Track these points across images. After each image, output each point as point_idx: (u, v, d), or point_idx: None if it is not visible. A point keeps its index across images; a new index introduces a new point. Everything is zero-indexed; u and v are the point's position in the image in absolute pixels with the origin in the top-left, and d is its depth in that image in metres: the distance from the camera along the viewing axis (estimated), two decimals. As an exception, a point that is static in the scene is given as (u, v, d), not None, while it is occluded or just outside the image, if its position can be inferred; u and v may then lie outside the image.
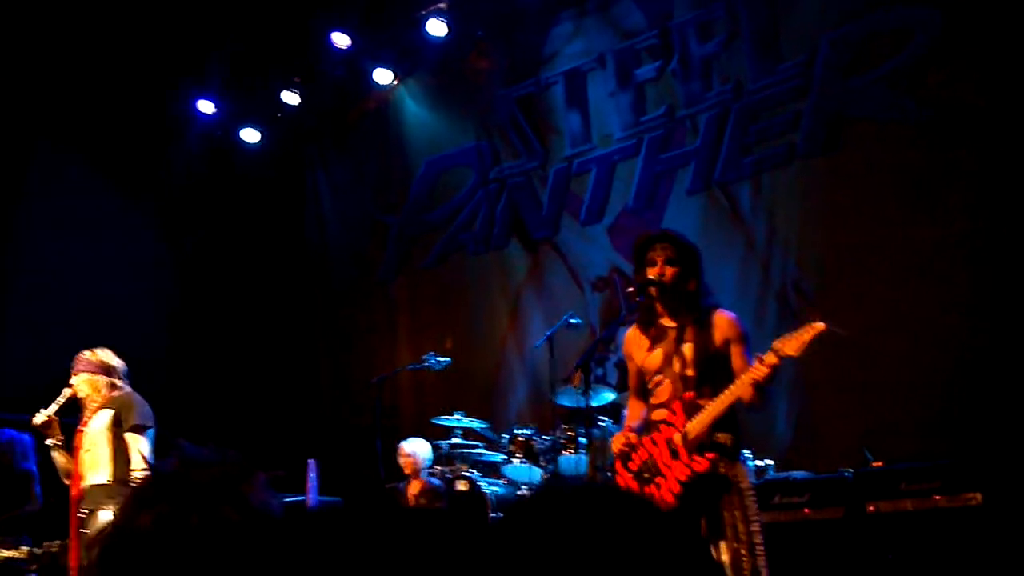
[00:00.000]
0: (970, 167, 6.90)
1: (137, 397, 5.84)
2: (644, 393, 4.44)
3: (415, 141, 10.26)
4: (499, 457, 7.63)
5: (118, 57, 9.57)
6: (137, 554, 1.28)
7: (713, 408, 4.09)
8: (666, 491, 4.12)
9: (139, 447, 5.66)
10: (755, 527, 4.04)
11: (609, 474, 5.33)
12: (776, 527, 5.51)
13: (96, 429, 5.70)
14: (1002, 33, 6.86)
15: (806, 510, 5.74)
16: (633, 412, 4.53)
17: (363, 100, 10.62)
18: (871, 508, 5.54)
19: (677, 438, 4.15)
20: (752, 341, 4.32)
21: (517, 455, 7.40)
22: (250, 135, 10.81)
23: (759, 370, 3.96)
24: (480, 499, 7.24)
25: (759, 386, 4.00)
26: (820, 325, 3.93)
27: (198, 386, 10.00)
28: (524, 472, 7.40)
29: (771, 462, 6.46)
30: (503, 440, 7.65)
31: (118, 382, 5.85)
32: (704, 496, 4.10)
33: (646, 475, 4.22)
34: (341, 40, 9.79)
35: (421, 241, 10.16)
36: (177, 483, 1.38)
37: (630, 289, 4.47)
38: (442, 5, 9.35)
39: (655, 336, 4.35)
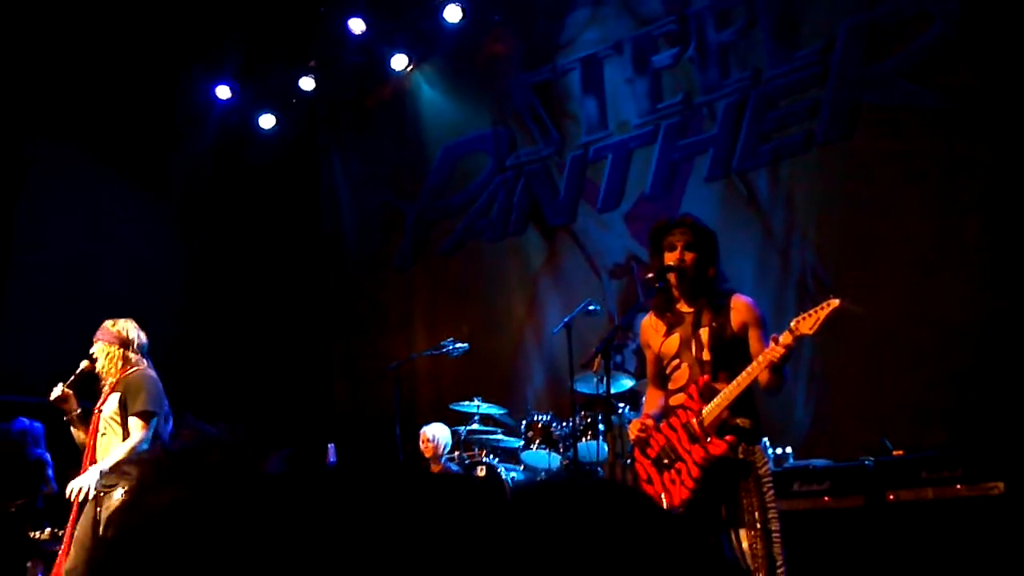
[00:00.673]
0: (987, 156, 6.87)
1: (148, 378, 5.65)
2: (662, 380, 4.44)
3: (431, 127, 10.26)
4: (517, 443, 7.65)
5: (131, 44, 9.56)
6: (154, 534, 1.28)
7: (730, 391, 4.09)
8: (685, 476, 4.13)
9: (132, 445, 5.44)
10: (772, 514, 4.04)
11: (628, 461, 5.33)
12: (796, 515, 5.52)
13: (108, 414, 5.58)
14: (1018, 25, 6.81)
15: (826, 498, 5.75)
16: (651, 400, 4.53)
17: (379, 86, 10.62)
18: (891, 496, 5.54)
19: (695, 421, 4.16)
20: (770, 329, 4.31)
21: (535, 441, 7.42)
22: (267, 121, 10.82)
23: (775, 351, 3.96)
24: (499, 484, 7.25)
25: (775, 367, 4.00)
26: (835, 302, 3.93)
27: (214, 374, 10.02)
28: (542, 458, 7.42)
29: (790, 450, 6.45)
30: (521, 426, 7.66)
31: (133, 356, 5.68)
32: (723, 482, 4.10)
33: (665, 460, 4.22)
34: (357, 26, 9.79)
35: (438, 228, 10.16)
36: (192, 462, 1.39)
37: (649, 275, 4.45)
38: (458, -10, 9.35)
39: (672, 322, 4.35)
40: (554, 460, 7.37)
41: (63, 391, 5.68)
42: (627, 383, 7.31)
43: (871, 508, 5.58)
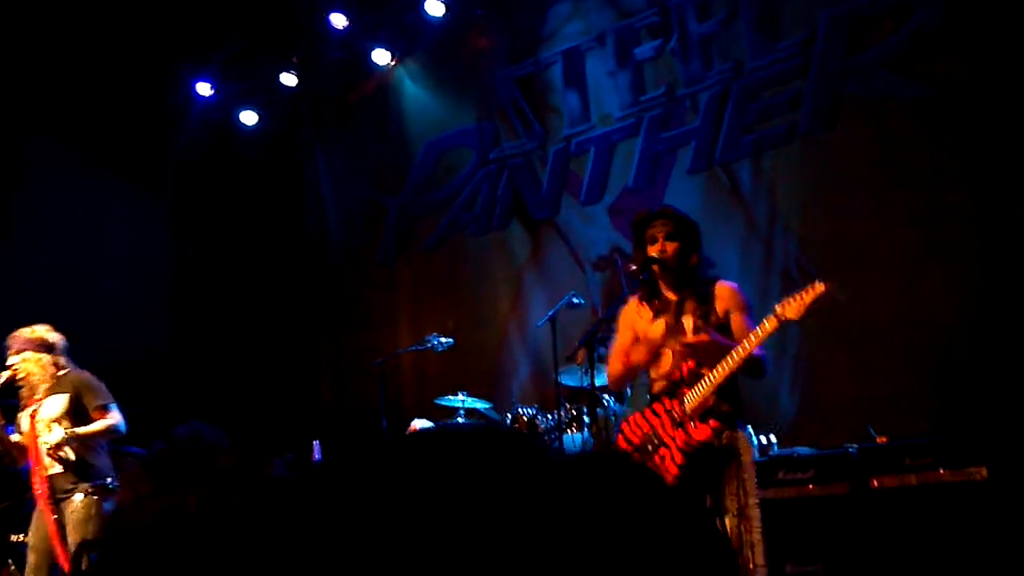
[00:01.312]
0: (971, 145, 6.90)
1: (90, 375, 5.76)
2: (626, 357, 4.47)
3: (414, 122, 10.23)
4: (502, 437, 7.63)
5: (113, 41, 9.52)
6: (175, 536, 1.28)
7: (715, 376, 4.12)
8: (669, 462, 4.15)
9: (112, 424, 5.64)
10: (753, 500, 4.06)
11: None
12: (781, 503, 5.55)
13: (51, 415, 5.61)
14: (1001, 12, 6.84)
15: (811, 486, 5.77)
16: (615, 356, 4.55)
17: (362, 81, 10.58)
18: (875, 483, 5.57)
19: (678, 407, 4.18)
20: (756, 313, 4.34)
21: (520, 435, 7.41)
22: (248, 117, 10.78)
23: (758, 336, 4.00)
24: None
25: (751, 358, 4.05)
26: (821, 286, 3.96)
27: (200, 370, 10.00)
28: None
29: (774, 439, 6.48)
30: (507, 420, 7.66)
31: (61, 359, 5.75)
32: (707, 468, 4.12)
33: (649, 447, 4.24)
34: (339, 21, 9.76)
35: (422, 223, 10.14)
36: (204, 465, 1.38)
37: (633, 267, 4.47)
38: (441, -16, 9.33)
39: (658, 309, 4.38)
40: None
41: None
42: (612, 375, 7.31)
43: (856, 495, 5.61)
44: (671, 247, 4.32)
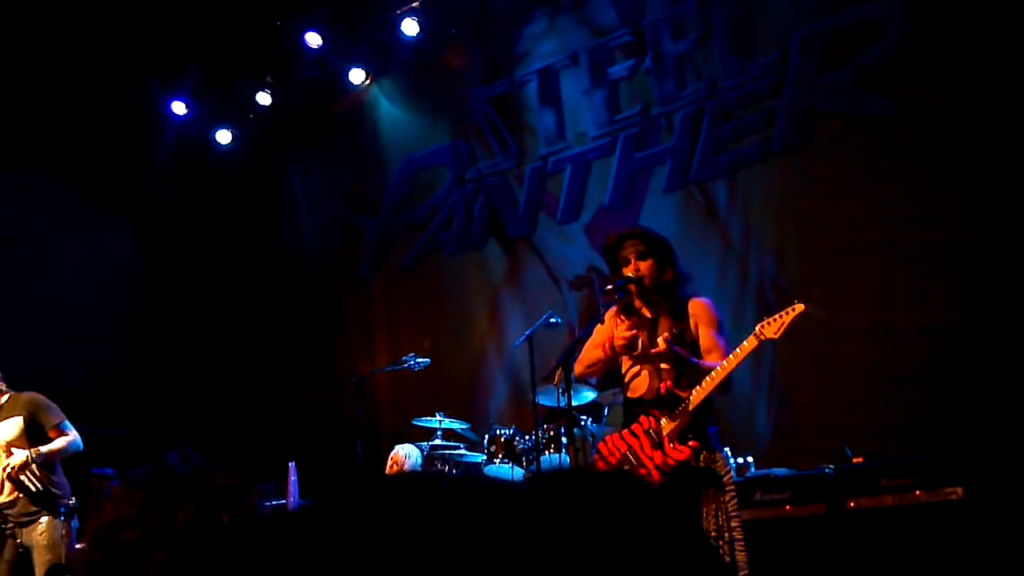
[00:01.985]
0: (942, 162, 6.94)
1: (40, 395, 5.84)
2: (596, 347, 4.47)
3: (390, 141, 10.21)
4: (480, 458, 7.60)
5: (88, 60, 9.47)
6: (168, 553, 1.26)
7: (694, 397, 4.12)
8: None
9: (72, 440, 5.70)
10: (735, 522, 4.06)
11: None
12: (758, 524, 5.53)
13: (6, 438, 5.67)
14: (970, 30, 6.91)
15: (788, 507, 5.77)
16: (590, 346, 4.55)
17: (337, 100, 10.57)
18: (852, 504, 5.57)
19: (656, 427, 4.18)
20: (729, 336, 4.35)
21: (498, 455, 7.38)
22: (223, 136, 10.74)
23: (737, 356, 4.01)
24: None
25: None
26: (800, 306, 3.99)
27: (175, 389, 9.92)
28: (506, 472, 7.38)
29: (751, 459, 6.47)
30: (484, 441, 7.62)
31: (2, 385, 5.84)
32: (685, 489, 4.11)
33: (626, 467, 4.23)
34: (314, 40, 9.74)
35: (399, 242, 10.11)
36: (195, 486, 1.38)
37: (609, 287, 4.46)
38: (415, 4, 9.33)
39: (635, 326, 4.37)
40: (517, 474, 7.34)
41: None
42: (589, 395, 7.29)
43: (833, 516, 5.61)
44: (644, 266, 4.34)
